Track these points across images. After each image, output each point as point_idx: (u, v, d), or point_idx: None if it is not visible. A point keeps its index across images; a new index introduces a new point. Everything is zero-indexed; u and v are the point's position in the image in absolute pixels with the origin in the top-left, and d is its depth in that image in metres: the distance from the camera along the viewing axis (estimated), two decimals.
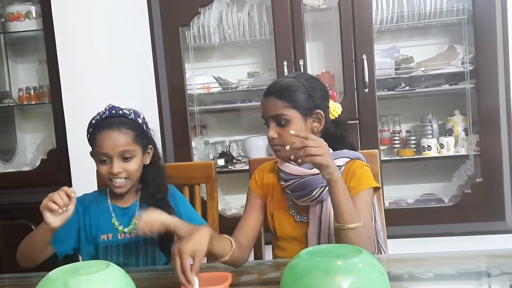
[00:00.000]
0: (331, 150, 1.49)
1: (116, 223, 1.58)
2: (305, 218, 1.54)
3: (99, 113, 1.57)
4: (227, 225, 2.61)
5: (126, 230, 1.58)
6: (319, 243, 1.48)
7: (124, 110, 1.56)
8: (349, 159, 1.52)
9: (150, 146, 1.61)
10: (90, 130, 1.56)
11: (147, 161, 1.61)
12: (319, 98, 1.49)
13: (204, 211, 1.88)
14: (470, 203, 2.51)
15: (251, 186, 1.65)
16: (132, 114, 1.56)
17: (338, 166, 1.43)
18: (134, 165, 1.53)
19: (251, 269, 1.44)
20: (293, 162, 1.46)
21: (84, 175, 2.21)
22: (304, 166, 1.46)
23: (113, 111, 1.54)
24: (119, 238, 1.58)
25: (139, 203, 1.61)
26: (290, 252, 1.54)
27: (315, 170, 1.41)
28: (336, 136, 1.58)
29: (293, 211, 1.56)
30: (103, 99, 2.61)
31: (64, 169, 2.76)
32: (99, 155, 1.52)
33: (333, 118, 1.59)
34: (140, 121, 1.57)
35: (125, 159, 1.52)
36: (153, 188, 1.58)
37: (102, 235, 1.58)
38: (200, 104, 2.77)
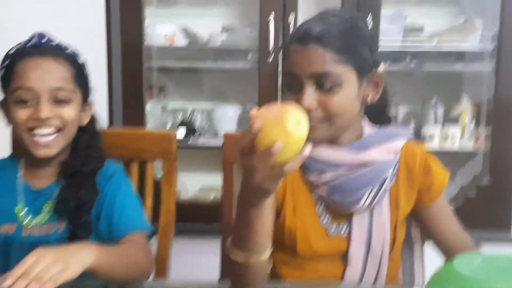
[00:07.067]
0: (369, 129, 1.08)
1: (21, 213, 1.11)
2: (342, 230, 1.08)
3: (21, 42, 1.14)
4: (182, 211, 2.11)
5: (34, 222, 1.12)
6: (365, 267, 1.06)
7: (59, 42, 1.16)
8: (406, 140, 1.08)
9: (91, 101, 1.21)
10: (7, 62, 1.11)
11: (84, 122, 1.17)
12: (376, 52, 1.02)
13: (156, 197, 1.47)
14: (473, 208, 2.22)
15: None
16: (71, 49, 1.16)
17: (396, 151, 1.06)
18: (71, 112, 1.10)
19: None
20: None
21: None
22: (350, 148, 1.03)
23: (43, 40, 1.13)
24: (23, 235, 1.11)
25: (57, 181, 1.14)
26: (314, 273, 1.08)
27: (370, 155, 1.02)
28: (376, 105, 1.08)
29: (325, 221, 1.08)
30: None
31: None
32: (18, 92, 1.07)
33: None
34: (80, 61, 1.17)
35: (59, 102, 1.08)
36: (79, 159, 1.14)
37: (3, 225, 1.11)
38: (160, 58, 2.42)
